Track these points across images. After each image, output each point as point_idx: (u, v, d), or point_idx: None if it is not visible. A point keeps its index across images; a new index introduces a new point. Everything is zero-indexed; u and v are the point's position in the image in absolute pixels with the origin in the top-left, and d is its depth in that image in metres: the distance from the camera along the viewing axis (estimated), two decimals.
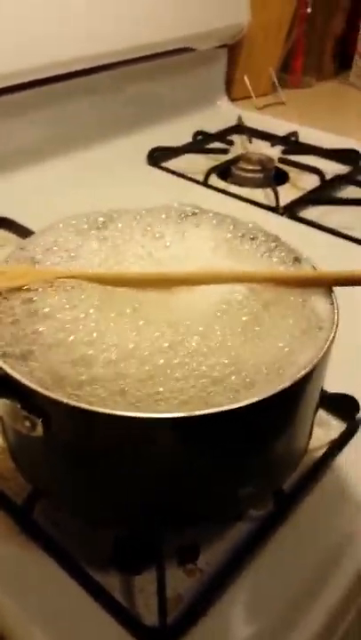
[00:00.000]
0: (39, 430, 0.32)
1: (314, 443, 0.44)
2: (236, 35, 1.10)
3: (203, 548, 0.40)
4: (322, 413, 0.50)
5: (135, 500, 0.35)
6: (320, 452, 0.46)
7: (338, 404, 0.49)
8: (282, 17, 1.23)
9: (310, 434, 0.41)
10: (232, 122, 1.06)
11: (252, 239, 0.42)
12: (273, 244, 0.42)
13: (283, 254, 0.41)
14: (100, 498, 0.35)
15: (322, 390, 0.39)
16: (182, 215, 0.44)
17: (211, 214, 0.44)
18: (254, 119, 1.07)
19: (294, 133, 1.01)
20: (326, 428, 0.49)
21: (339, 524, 0.42)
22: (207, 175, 0.86)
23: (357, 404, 0.49)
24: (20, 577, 0.38)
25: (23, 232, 0.68)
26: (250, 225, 0.43)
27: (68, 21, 0.79)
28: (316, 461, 0.46)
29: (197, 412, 0.30)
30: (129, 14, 0.87)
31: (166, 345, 0.32)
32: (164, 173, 0.89)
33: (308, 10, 1.27)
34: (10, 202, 0.74)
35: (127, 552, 0.38)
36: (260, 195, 0.85)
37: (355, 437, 0.48)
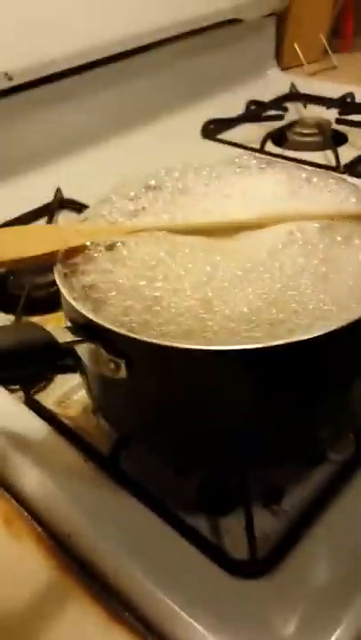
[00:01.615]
0: (123, 372, 0.33)
1: None
2: (283, 2, 1.09)
3: (287, 490, 0.40)
4: None
5: (219, 438, 0.36)
6: None
7: None
8: None
9: None
10: (284, 90, 1.05)
11: (319, 183, 0.42)
12: (340, 186, 0.42)
13: (352, 195, 0.41)
14: (183, 437, 0.36)
15: None
16: (246, 167, 0.44)
17: (275, 163, 0.44)
18: (307, 85, 1.06)
19: (350, 94, 0.99)
20: None
21: None
22: (263, 142, 0.85)
23: None
24: (113, 521, 0.39)
25: None
26: (317, 171, 0.43)
27: (115, 1, 0.81)
28: None
29: (279, 342, 0.30)
30: None
31: (240, 273, 0.33)
32: (220, 145, 0.89)
33: None
34: (72, 184, 0.76)
35: (213, 494, 0.39)
36: (319, 157, 0.84)
37: None
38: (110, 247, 0.38)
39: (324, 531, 0.38)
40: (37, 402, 0.48)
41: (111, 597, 0.36)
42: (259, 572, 0.35)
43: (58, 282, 0.36)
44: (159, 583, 0.35)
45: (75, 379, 0.47)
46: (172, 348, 0.31)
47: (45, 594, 0.36)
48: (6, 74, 0.74)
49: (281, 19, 1.15)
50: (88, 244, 0.38)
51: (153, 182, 0.44)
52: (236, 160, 0.44)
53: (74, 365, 0.39)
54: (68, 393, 0.50)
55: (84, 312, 0.33)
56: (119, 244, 0.38)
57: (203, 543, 0.37)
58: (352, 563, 0.36)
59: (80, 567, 0.37)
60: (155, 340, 0.31)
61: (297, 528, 0.38)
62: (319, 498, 0.40)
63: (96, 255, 0.37)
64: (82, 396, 0.48)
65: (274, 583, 0.35)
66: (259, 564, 0.36)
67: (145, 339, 0.31)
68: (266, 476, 0.41)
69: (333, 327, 0.30)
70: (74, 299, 0.34)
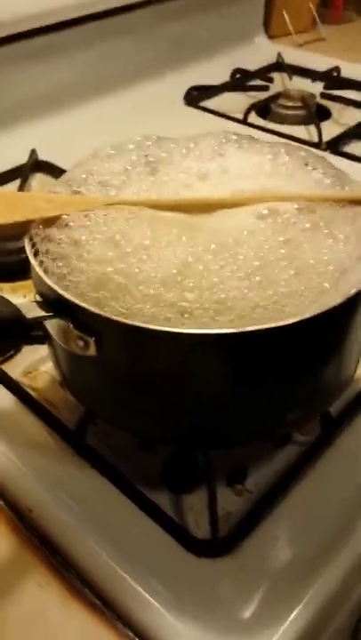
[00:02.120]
0: (92, 349, 0.32)
1: None
2: None
3: (251, 470, 0.41)
4: None
5: (186, 418, 0.35)
6: None
7: None
8: None
9: (358, 360, 0.41)
10: (271, 59, 1.02)
11: (302, 163, 0.41)
12: (323, 167, 0.41)
13: (333, 178, 0.40)
14: (151, 415, 0.36)
15: None
16: (229, 142, 0.43)
17: (258, 140, 0.43)
18: (294, 56, 1.03)
19: (336, 68, 0.97)
20: None
21: None
22: (247, 113, 0.84)
23: None
24: (76, 495, 0.39)
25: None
26: (300, 151, 0.42)
27: None
28: None
29: (248, 328, 0.30)
30: None
31: (218, 252, 0.32)
32: (202, 113, 0.87)
33: None
34: (47, 145, 0.74)
35: (178, 472, 0.39)
36: (301, 131, 0.83)
37: None
38: (84, 219, 0.36)
39: (286, 512, 0.38)
40: (3, 372, 0.47)
41: (71, 574, 0.36)
42: (220, 551, 0.36)
43: (28, 254, 0.34)
44: (120, 560, 0.35)
45: (43, 349, 0.46)
46: (144, 329, 0.30)
47: (4, 569, 0.36)
48: None
49: None
50: (60, 214, 0.37)
51: (133, 151, 0.42)
52: (220, 136, 0.42)
53: (42, 337, 0.38)
54: (35, 364, 0.49)
55: (55, 287, 0.32)
56: (94, 215, 0.36)
57: (165, 521, 0.37)
58: (313, 544, 0.37)
59: (41, 542, 0.37)
60: (126, 321, 0.30)
61: (260, 508, 0.38)
62: (283, 478, 0.40)
63: (69, 226, 0.36)
64: (50, 367, 0.47)
65: (234, 563, 0.36)
66: (220, 544, 0.36)
67: (116, 318, 0.30)
68: (230, 455, 0.41)
69: (306, 316, 0.30)
70: (44, 271, 0.33)
